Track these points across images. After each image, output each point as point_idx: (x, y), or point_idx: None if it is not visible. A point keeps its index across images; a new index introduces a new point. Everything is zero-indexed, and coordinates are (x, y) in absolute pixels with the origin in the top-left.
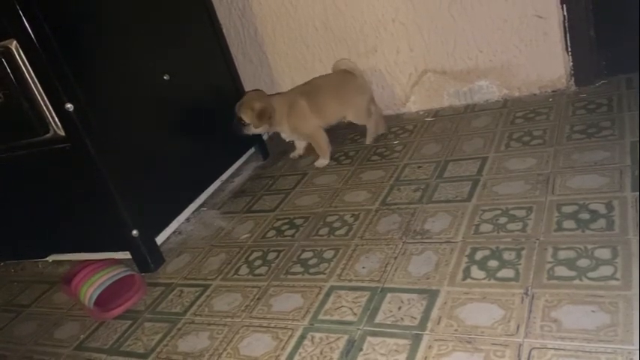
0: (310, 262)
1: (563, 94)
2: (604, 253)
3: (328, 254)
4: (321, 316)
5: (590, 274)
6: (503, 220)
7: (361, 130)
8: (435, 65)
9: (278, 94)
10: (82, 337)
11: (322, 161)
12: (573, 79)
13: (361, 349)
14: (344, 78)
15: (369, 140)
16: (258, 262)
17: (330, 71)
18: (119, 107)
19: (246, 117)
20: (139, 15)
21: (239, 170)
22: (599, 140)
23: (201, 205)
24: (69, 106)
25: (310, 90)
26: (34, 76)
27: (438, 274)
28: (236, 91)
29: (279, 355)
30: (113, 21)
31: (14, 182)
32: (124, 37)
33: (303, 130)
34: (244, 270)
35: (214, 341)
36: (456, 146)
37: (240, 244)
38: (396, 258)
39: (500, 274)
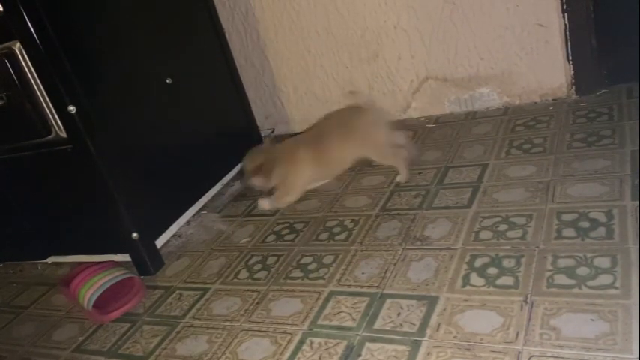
0: (310, 267)
1: (564, 103)
2: (603, 262)
3: (328, 259)
4: (320, 321)
5: (590, 283)
6: (503, 227)
7: None
8: (436, 72)
9: (282, 143)
10: (80, 339)
11: (267, 203)
12: (574, 87)
13: (360, 355)
14: (353, 115)
15: (403, 179)
16: (257, 267)
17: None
18: (121, 110)
19: (254, 181)
20: (142, 18)
21: (240, 174)
22: (599, 149)
23: (202, 209)
24: (71, 108)
25: (315, 137)
26: (37, 78)
27: (438, 281)
28: (237, 94)
29: None
30: (116, 24)
31: (15, 183)
32: (127, 41)
33: (290, 181)
34: (244, 274)
35: (213, 345)
36: (456, 153)
37: (240, 248)
38: (395, 264)
39: (499, 282)
